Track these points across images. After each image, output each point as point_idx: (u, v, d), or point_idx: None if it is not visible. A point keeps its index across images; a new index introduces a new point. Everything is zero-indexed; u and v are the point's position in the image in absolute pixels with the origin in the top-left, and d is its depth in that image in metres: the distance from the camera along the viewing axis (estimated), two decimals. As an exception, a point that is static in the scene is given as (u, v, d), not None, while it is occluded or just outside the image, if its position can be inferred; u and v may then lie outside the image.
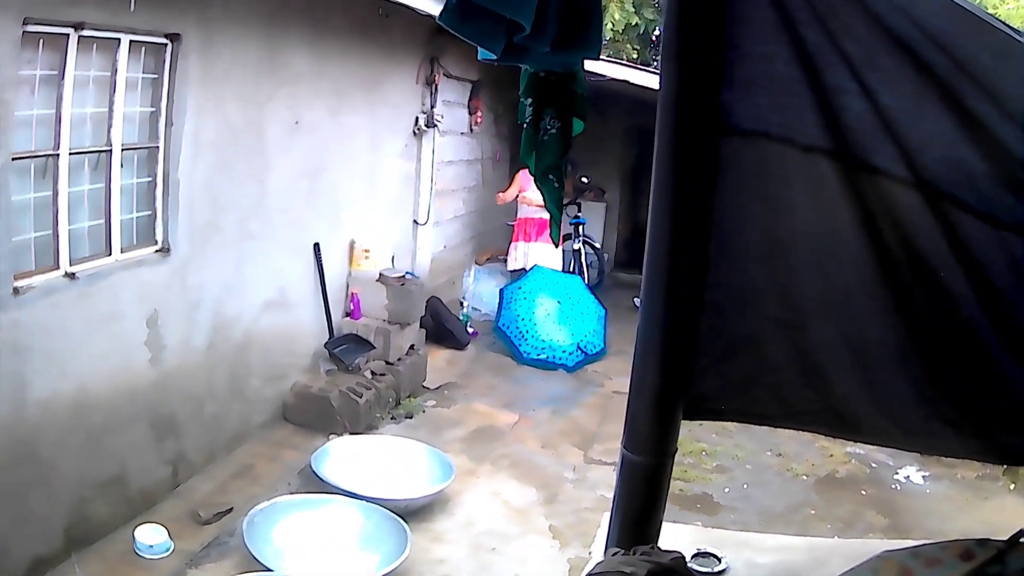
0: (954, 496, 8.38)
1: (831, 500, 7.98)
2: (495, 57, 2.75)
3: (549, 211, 3.61)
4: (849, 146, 3.15)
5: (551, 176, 3.44)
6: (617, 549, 3.51)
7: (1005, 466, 7.69)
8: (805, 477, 8.40)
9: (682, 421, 3.61)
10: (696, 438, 8.78)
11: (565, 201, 12.26)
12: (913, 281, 3.31)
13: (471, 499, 6.79)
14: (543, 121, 3.30)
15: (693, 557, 3.89)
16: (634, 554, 3.38)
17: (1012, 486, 8.54)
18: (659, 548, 3.52)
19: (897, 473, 8.63)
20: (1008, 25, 2.90)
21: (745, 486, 8.05)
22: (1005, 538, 3.36)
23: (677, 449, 3.64)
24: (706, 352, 3.58)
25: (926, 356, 3.43)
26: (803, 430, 4.18)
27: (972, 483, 8.57)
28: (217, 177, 6.25)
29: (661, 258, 3.32)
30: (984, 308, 3.27)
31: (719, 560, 3.92)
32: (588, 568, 3.46)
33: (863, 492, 8.17)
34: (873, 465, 8.69)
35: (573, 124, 3.37)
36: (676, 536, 3.96)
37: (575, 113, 3.35)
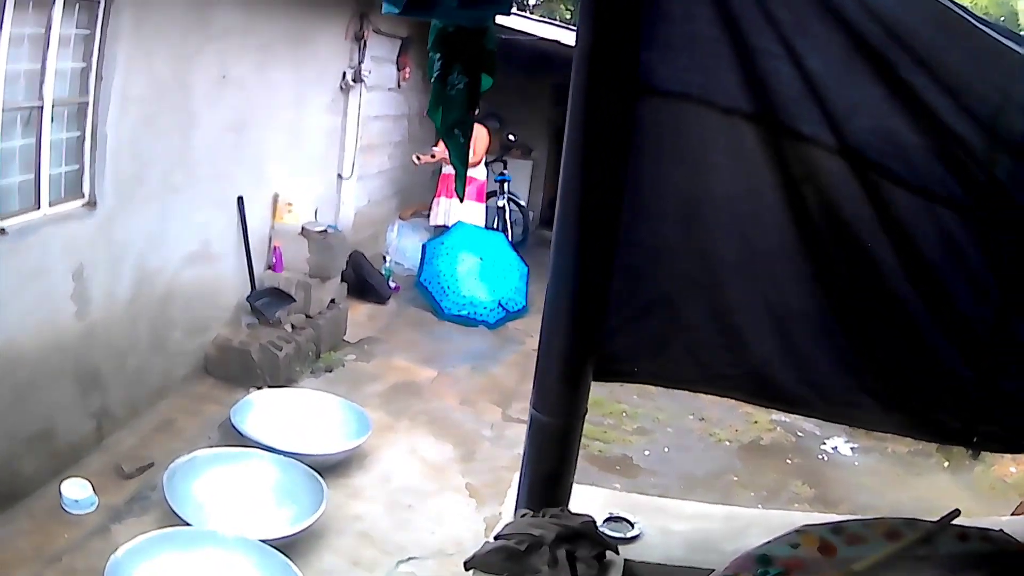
0: (884, 470, 8.49)
1: (755, 468, 8.06)
2: (397, 11, 2.78)
3: (453, 166, 3.62)
4: (773, 110, 3.19)
5: (456, 131, 3.45)
6: (526, 511, 3.63)
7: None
8: (728, 443, 8.52)
9: (594, 382, 3.66)
10: (617, 399, 8.85)
11: (490, 158, 12.45)
12: (837, 250, 3.38)
13: (388, 455, 6.95)
14: (451, 76, 3.31)
15: (605, 522, 3.89)
16: (543, 516, 3.53)
17: (946, 463, 8.60)
18: (569, 511, 3.67)
19: (824, 443, 8.73)
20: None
21: (666, 450, 8.18)
22: (935, 518, 3.38)
23: (587, 410, 3.70)
24: (618, 312, 3.60)
25: (850, 327, 3.51)
26: (721, 395, 4.20)
27: (904, 458, 8.68)
28: (143, 131, 6.32)
29: (571, 217, 3.37)
30: (913, 282, 3.36)
31: (632, 525, 3.92)
32: (497, 529, 3.52)
33: (788, 461, 8.29)
34: (799, 434, 8.81)
35: (482, 80, 3.37)
36: (589, 499, 4.06)
37: (484, 69, 3.35)
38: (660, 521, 4.05)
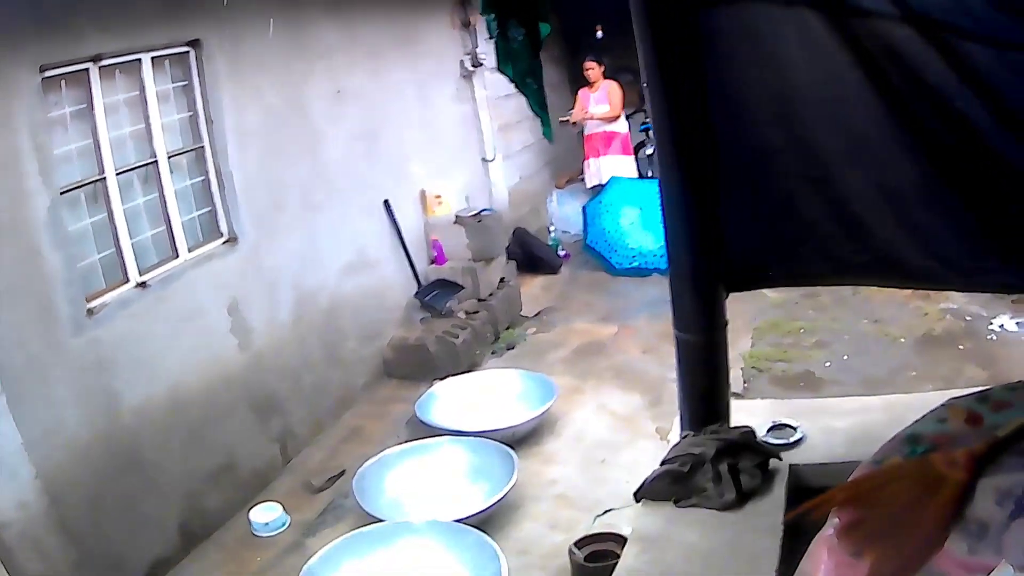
0: None
1: (930, 360, 7.95)
2: None
3: (534, 111, 3.74)
4: None
5: (528, 80, 3.53)
6: (688, 432, 3.78)
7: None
8: (903, 340, 8.41)
9: (736, 293, 3.77)
10: (793, 317, 8.82)
11: (631, 110, 12.34)
12: (930, 116, 3.34)
13: (578, 416, 6.99)
14: (509, 31, 3.35)
15: (769, 431, 3.97)
16: (704, 434, 3.64)
17: None
18: (728, 426, 3.81)
19: (991, 323, 8.53)
20: None
21: (845, 357, 8.08)
22: None
23: (727, 322, 3.80)
24: (738, 220, 3.68)
25: (962, 191, 3.45)
26: (854, 283, 4.57)
27: None
28: (270, 161, 6.54)
29: (666, 137, 3.47)
30: (1011, 132, 3.28)
31: (795, 430, 3.96)
32: (663, 455, 3.64)
33: (960, 347, 8.12)
34: (968, 318, 8.64)
35: (540, 28, 3.40)
36: (750, 411, 4.14)
37: (538, 17, 3.38)
38: (823, 421, 4.09)
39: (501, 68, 3.50)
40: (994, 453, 2.79)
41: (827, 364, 7.97)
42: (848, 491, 2.85)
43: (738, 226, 3.67)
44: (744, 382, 7.58)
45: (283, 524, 5.67)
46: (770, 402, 4.97)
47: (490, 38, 3.42)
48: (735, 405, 4.13)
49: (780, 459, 3.70)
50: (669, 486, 3.51)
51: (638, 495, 3.59)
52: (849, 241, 3.64)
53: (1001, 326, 8.54)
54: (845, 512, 2.73)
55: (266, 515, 5.63)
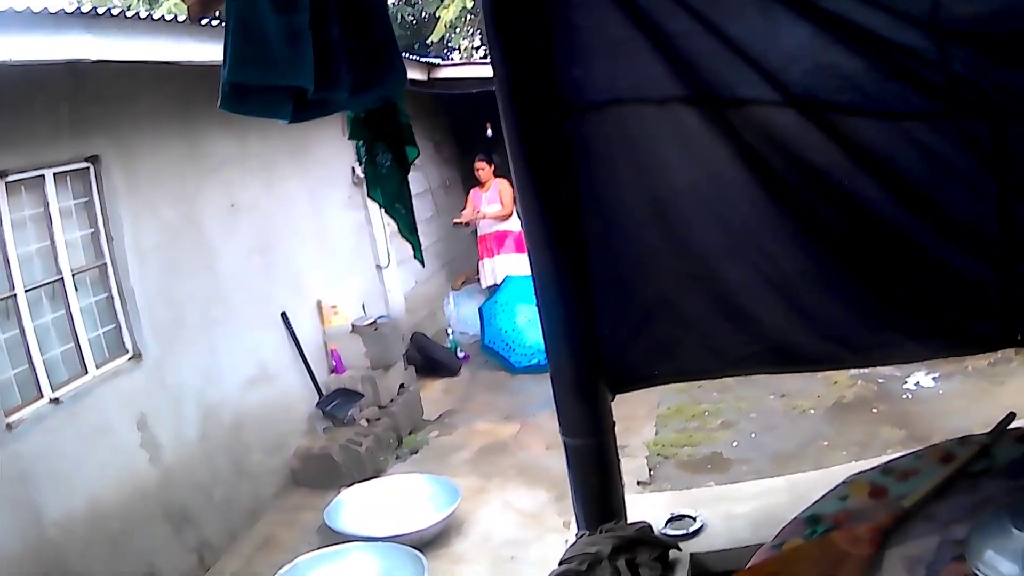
0: (969, 390, 8.38)
1: (842, 427, 8.09)
2: (286, 121, 2.80)
3: (404, 237, 3.64)
4: (707, 86, 3.16)
5: (397, 204, 3.49)
6: (583, 532, 3.56)
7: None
8: (812, 411, 8.53)
9: (623, 394, 3.55)
10: (697, 400, 8.95)
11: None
12: (819, 201, 3.30)
13: (484, 515, 7.17)
14: (377, 156, 3.39)
15: (668, 522, 3.85)
16: (600, 533, 3.45)
17: None
18: (624, 522, 3.62)
19: (906, 382, 8.68)
20: None
21: (752, 435, 8.23)
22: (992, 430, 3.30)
23: (614, 424, 3.61)
24: (619, 324, 3.55)
25: (855, 271, 3.41)
26: (748, 374, 4.21)
27: (985, 371, 8.57)
28: (169, 277, 6.81)
29: (541, 246, 3.35)
30: (905, 205, 3.26)
31: (694, 519, 3.86)
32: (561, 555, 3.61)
33: (874, 410, 8.25)
34: (880, 380, 8.78)
35: (407, 152, 3.43)
36: (648, 506, 4.00)
37: (404, 142, 3.41)
38: (723, 508, 3.99)
39: (371, 194, 3.50)
40: (900, 523, 2.80)
41: (734, 444, 8.14)
42: None
43: (616, 328, 3.57)
44: (650, 470, 7.73)
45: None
46: (668, 494, 4.82)
47: (359, 163, 3.43)
48: (633, 500, 4.04)
49: (680, 549, 3.62)
50: None
51: None
52: (737, 334, 3.56)
53: (917, 383, 8.73)
54: None
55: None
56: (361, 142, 3.35)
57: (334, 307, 9.19)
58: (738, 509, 3.93)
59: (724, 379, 7.86)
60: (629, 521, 3.64)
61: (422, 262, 3.90)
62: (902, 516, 2.82)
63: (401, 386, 9.49)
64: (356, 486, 7.61)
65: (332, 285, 9.37)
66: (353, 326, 9.14)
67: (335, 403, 8.60)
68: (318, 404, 8.59)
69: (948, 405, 8.22)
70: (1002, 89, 3.10)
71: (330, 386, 8.86)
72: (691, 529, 3.77)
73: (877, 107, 3.16)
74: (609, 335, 3.56)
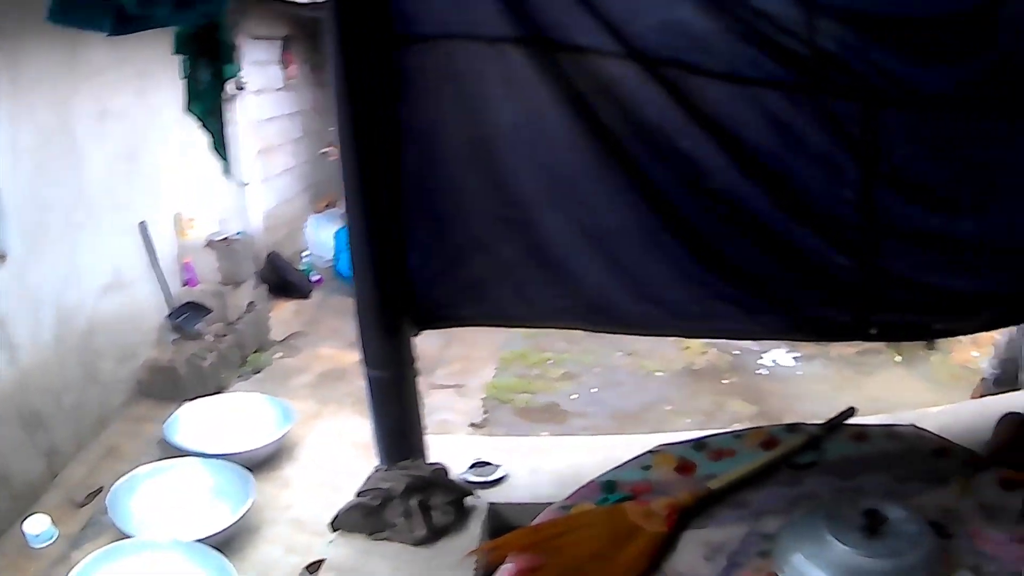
0: (831, 376, 8.61)
1: (689, 394, 8.29)
2: (107, 33, 2.77)
3: (215, 150, 3.69)
4: (543, 29, 3.17)
5: (211, 119, 3.56)
6: (380, 466, 3.89)
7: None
8: (660, 373, 8.81)
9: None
10: (542, 348, 9.27)
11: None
12: (649, 158, 3.32)
13: (316, 441, 7.41)
14: (198, 72, 3.40)
15: (470, 468, 4.13)
16: (395, 469, 3.77)
17: (898, 358, 8.76)
18: (422, 461, 3.89)
19: (762, 358, 8.86)
20: None
21: (594, 390, 8.53)
22: (878, 416, 3.51)
23: (416, 359, 3.87)
24: (430, 260, 3.66)
25: (681, 233, 3.45)
26: (560, 327, 4.27)
27: (851, 360, 8.80)
28: (39, 179, 6.96)
29: (354, 173, 3.49)
30: (748, 175, 3.31)
31: (497, 468, 4.13)
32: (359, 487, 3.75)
33: (724, 382, 8.54)
34: (736, 352, 8.99)
35: (225, 70, 3.44)
36: (453, 448, 4.30)
37: (225, 60, 3.41)
38: (532, 461, 4.25)
39: (189, 108, 3.51)
40: (704, 505, 2.83)
41: (573, 396, 8.41)
42: (527, 536, 2.82)
43: (427, 265, 3.67)
44: (484, 412, 8.10)
45: (52, 537, 5.97)
46: (474, 439, 5.33)
47: (182, 78, 3.44)
48: (440, 441, 4.31)
49: (476, 496, 3.79)
50: (362, 519, 3.62)
51: (333, 525, 3.66)
52: (551, 285, 3.62)
53: (774, 361, 9.00)
54: (522, 558, 2.67)
55: (37, 527, 5.93)
56: (184, 56, 3.40)
57: (191, 220, 9.37)
58: (546, 464, 4.20)
59: (574, 332, 7.79)
60: (429, 461, 3.92)
61: (229, 174, 4.11)
62: (706, 498, 2.87)
63: (250, 304, 9.74)
64: (197, 401, 7.81)
65: (193, 198, 9.55)
66: (208, 240, 9.37)
67: (185, 316, 8.81)
68: (169, 316, 8.78)
69: (806, 388, 8.48)
70: (880, 73, 3.19)
71: (182, 299, 9.05)
72: (492, 477, 4.08)
73: (724, 69, 3.21)
74: (419, 270, 3.69)
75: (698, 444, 3.28)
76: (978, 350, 8.30)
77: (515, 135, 3.42)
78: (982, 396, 6.40)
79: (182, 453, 6.77)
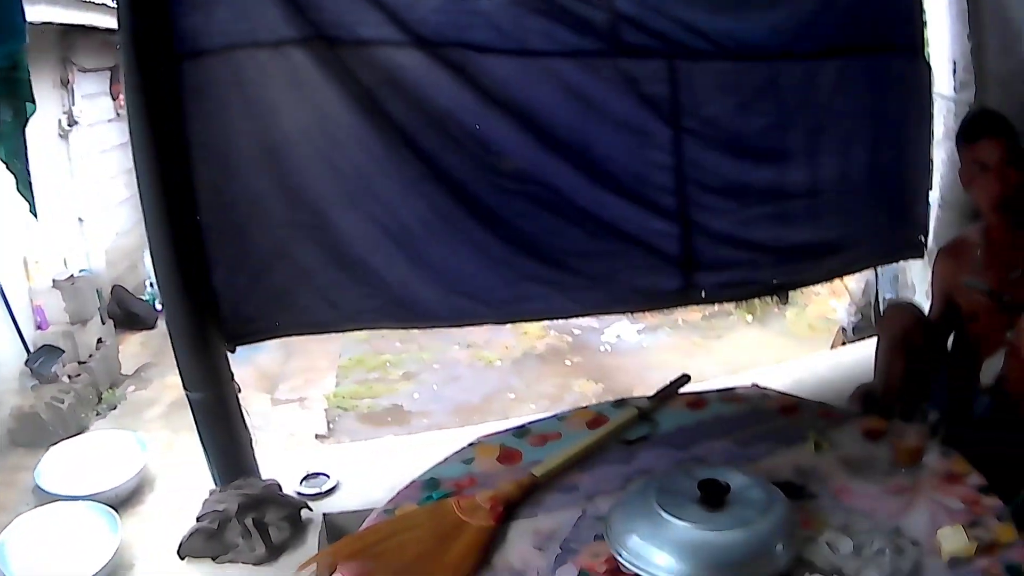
0: (678, 344, 8.73)
1: (532, 379, 8.43)
2: None
3: (20, 192, 3.56)
4: (325, 27, 3.20)
5: (15, 160, 3.45)
6: (215, 488, 3.92)
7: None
8: (499, 362, 9.02)
9: (242, 346, 3.78)
10: (379, 351, 9.39)
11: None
12: (440, 147, 3.35)
13: (173, 471, 6.88)
14: (0, 112, 3.27)
15: (302, 480, 4.19)
16: (228, 490, 3.80)
17: (749, 317, 8.99)
18: (254, 479, 3.90)
19: (603, 334, 8.98)
20: None
21: (435, 387, 8.70)
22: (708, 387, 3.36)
23: (233, 375, 3.86)
24: (237, 274, 3.62)
25: (484, 220, 3.48)
26: (371, 328, 4.17)
27: (698, 325, 8.91)
28: None
29: (150, 194, 3.46)
30: (548, 149, 3.36)
31: (328, 478, 4.18)
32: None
33: (568, 363, 8.63)
34: (576, 332, 9.13)
35: (26, 108, 3.36)
36: (287, 462, 4.36)
37: (24, 98, 3.33)
38: (361, 467, 4.30)
39: None
40: (530, 493, 2.76)
41: (415, 396, 8.57)
42: (351, 544, 2.71)
43: (232, 279, 3.63)
44: (328, 424, 8.16)
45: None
46: (305, 452, 5.33)
47: None
48: (272, 456, 4.39)
49: (310, 509, 3.85)
50: (205, 543, 3.68)
51: (180, 552, 3.71)
52: (356, 286, 3.64)
53: (617, 336, 9.07)
54: (349, 566, 2.56)
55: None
56: None
57: (37, 262, 9.36)
58: (377, 468, 4.21)
59: (411, 331, 7.59)
60: (263, 478, 3.94)
61: (35, 215, 3.79)
62: (532, 485, 2.78)
63: (99, 341, 9.78)
64: (61, 444, 7.46)
65: (36, 239, 9.42)
66: (54, 281, 9.35)
67: (41, 360, 8.81)
68: (27, 361, 8.77)
69: (653, 359, 8.58)
70: (684, 28, 3.25)
71: (37, 342, 9.04)
72: (323, 488, 4.10)
73: (514, 46, 3.23)
74: (225, 286, 3.63)
75: (520, 431, 3.18)
76: (837, 299, 8.26)
77: (305, 139, 3.43)
78: (842, 345, 6.51)
79: (54, 498, 6.66)
